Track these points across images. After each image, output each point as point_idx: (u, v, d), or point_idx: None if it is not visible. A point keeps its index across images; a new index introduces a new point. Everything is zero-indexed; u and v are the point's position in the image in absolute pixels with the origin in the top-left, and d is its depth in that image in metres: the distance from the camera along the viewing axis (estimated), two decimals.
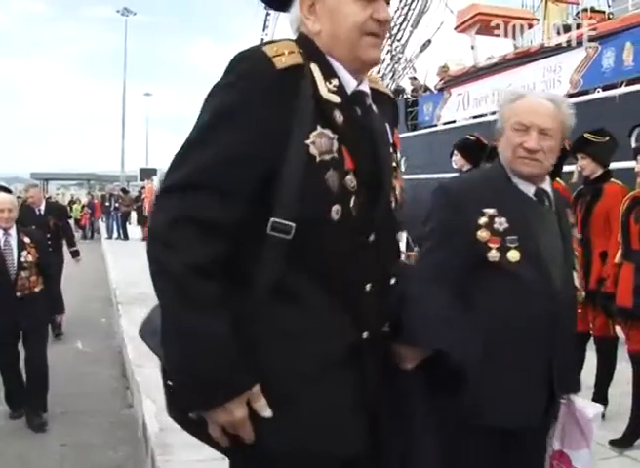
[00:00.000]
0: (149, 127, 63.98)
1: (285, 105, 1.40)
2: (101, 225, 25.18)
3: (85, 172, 63.49)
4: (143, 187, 22.49)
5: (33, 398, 4.99)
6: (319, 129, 1.43)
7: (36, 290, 4.97)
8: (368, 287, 1.51)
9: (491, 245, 2.07)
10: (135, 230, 21.92)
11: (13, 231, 4.97)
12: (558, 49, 11.52)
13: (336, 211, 1.44)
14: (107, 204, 23.08)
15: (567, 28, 12.52)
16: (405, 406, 1.59)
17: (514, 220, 2.08)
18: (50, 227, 7.60)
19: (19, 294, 4.84)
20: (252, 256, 1.42)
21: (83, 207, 26.72)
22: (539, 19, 16.51)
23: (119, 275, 11.96)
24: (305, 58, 1.46)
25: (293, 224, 1.40)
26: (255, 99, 1.39)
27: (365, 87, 1.57)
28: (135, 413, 5.18)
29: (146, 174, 30.38)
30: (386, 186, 1.56)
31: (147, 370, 5.60)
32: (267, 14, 29.01)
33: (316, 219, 1.43)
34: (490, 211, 2.08)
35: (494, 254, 2.07)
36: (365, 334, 1.51)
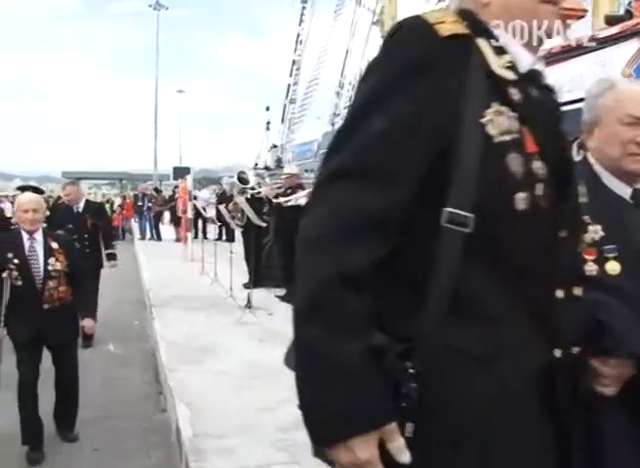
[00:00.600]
0: (182, 124, 64.73)
1: (451, 77, 1.23)
2: (134, 225, 25.53)
3: (117, 171, 64.27)
4: (177, 186, 22.68)
5: (62, 418, 4.90)
6: (495, 106, 1.26)
7: (65, 301, 4.66)
8: (559, 294, 1.31)
9: (586, 257, 1.85)
10: (168, 230, 22.17)
11: (39, 235, 4.66)
12: (608, 41, 11.30)
13: (522, 200, 1.24)
14: (140, 203, 23.39)
15: (618, 19, 12.27)
16: (598, 443, 1.42)
17: (610, 227, 1.87)
18: (88, 227, 7.52)
19: (46, 306, 4.55)
20: (421, 257, 1.24)
21: (112, 205, 27.06)
22: (587, 11, 16.21)
23: (152, 276, 12.11)
24: (471, 30, 1.29)
25: (471, 215, 1.20)
26: (417, 70, 1.22)
27: (540, 66, 1.42)
28: (168, 418, 5.24)
29: (180, 172, 30.60)
30: (574, 175, 1.39)
31: (181, 375, 5.69)
32: (303, 7, 29.09)
33: (498, 210, 1.24)
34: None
35: (590, 267, 1.84)
36: (557, 353, 1.29)
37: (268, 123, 36.21)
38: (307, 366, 1.19)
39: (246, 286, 9.92)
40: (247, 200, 10.13)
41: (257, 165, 34.59)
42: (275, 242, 11.17)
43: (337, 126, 17.71)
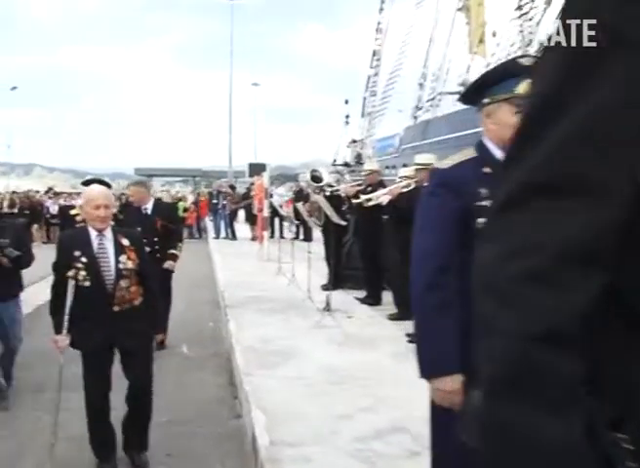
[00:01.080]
0: (257, 119, 65.53)
1: None
2: (208, 224, 25.99)
3: (190, 167, 65.72)
4: (252, 183, 22.96)
5: (133, 435, 4.57)
6: None
7: (136, 302, 4.46)
8: None
9: None
10: (243, 229, 22.47)
11: (108, 232, 4.44)
12: None
13: None
14: (215, 201, 23.79)
15: None
16: None
17: None
18: (157, 229, 7.26)
19: (116, 308, 4.35)
20: None
21: (184, 207, 27.64)
22: None
23: (227, 277, 12.28)
24: None
25: None
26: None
27: None
28: (243, 425, 5.27)
29: (255, 169, 30.99)
30: None
31: (257, 379, 5.71)
32: None
33: None
34: None
35: None
36: None
37: (347, 117, 36.17)
38: (502, 451, 0.93)
39: (325, 287, 9.91)
40: (326, 198, 10.11)
41: (335, 161, 34.63)
42: (355, 242, 11.13)
43: (419, 119, 17.78)
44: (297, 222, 16.79)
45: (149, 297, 4.56)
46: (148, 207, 7.39)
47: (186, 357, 7.49)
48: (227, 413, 5.68)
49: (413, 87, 29.18)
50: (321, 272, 10.73)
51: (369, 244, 9.91)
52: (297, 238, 18.43)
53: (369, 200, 9.42)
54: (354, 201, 9.95)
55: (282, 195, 21.95)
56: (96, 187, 4.58)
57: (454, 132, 17.09)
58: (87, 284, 4.29)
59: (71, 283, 4.28)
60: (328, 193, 10.98)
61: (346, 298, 9.97)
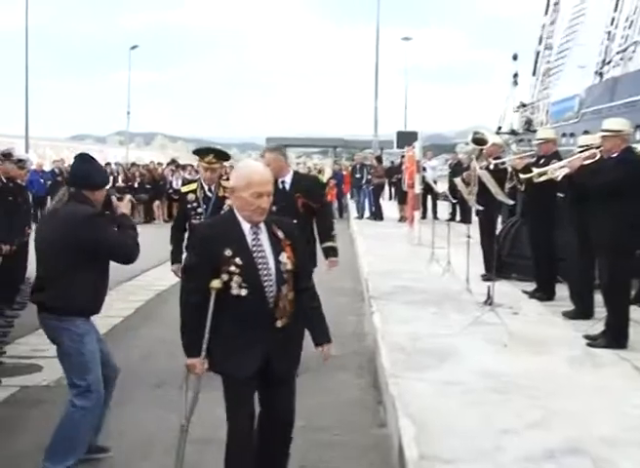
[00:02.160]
0: (408, 80, 65.10)
1: None
2: (350, 202, 26.22)
3: (330, 136, 66.47)
4: (402, 155, 22.93)
5: None
6: None
7: (292, 314, 4.05)
8: None
9: None
10: (390, 208, 22.51)
11: (262, 222, 4.05)
12: None
13: None
14: (358, 175, 23.96)
15: None
16: None
17: None
18: (299, 209, 6.82)
19: (279, 324, 3.96)
20: None
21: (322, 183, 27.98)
22: None
23: (372, 263, 12.36)
24: None
25: None
26: None
27: None
28: (388, 434, 5.30)
29: (404, 138, 30.92)
30: None
31: (404, 383, 5.73)
32: None
33: None
34: None
35: None
36: None
37: (516, 76, 35.30)
38: None
39: (486, 277, 9.76)
40: (489, 171, 9.91)
41: (500, 129, 33.96)
42: (523, 224, 10.88)
43: (606, 76, 17.11)
44: (454, 201, 16.63)
45: (315, 306, 4.23)
46: (286, 180, 6.83)
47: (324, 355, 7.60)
48: (370, 421, 5.73)
49: (599, 37, 28.00)
50: (482, 260, 10.58)
51: (539, 227, 9.65)
52: (453, 219, 18.27)
53: (541, 174, 9.13)
54: (522, 176, 9.68)
55: (436, 169, 21.77)
56: (256, 167, 4.07)
57: None
58: (243, 293, 3.89)
59: (213, 292, 3.90)
60: (492, 166, 10.76)
61: (512, 291, 9.78)
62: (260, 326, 3.92)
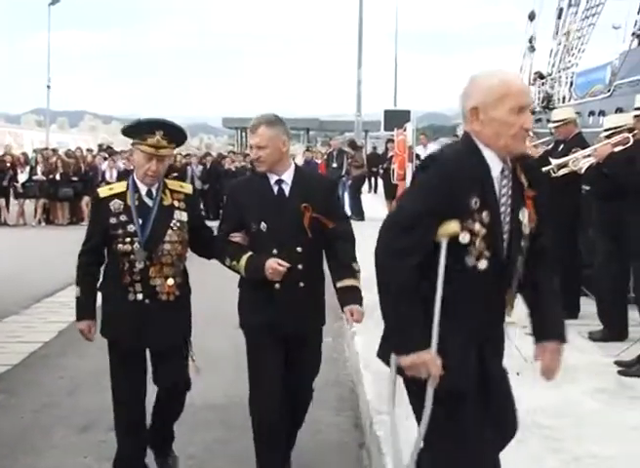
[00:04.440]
0: (398, 48, 65.00)
1: None
2: None
3: (303, 117, 66.49)
4: (390, 140, 23.01)
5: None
6: None
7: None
8: None
9: None
10: (374, 204, 22.48)
11: None
12: None
13: None
14: (335, 165, 23.98)
15: None
16: None
17: None
18: (303, 225, 5.48)
19: (508, 315, 3.96)
20: None
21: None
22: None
23: None
24: None
25: None
26: None
27: None
28: None
29: (394, 119, 30.88)
30: None
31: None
32: None
33: None
34: None
35: None
36: None
37: (532, 40, 35.41)
38: None
39: None
40: None
41: None
42: None
43: None
44: None
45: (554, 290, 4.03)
46: (285, 178, 5.37)
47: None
48: (351, 467, 5.76)
49: None
50: None
51: (561, 228, 9.73)
52: None
53: (560, 166, 9.19)
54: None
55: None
56: (506, 73, 3.67)
57: None
58: (482, 265, 3.52)
59: (444, 242, 3.48)
60: None
61: (522, 306, 9.85)
62: (489, 317, 3.67)
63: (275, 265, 5.00)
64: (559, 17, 33.99)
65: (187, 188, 5.53)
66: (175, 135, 5.27)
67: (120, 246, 5.18)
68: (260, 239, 5.16)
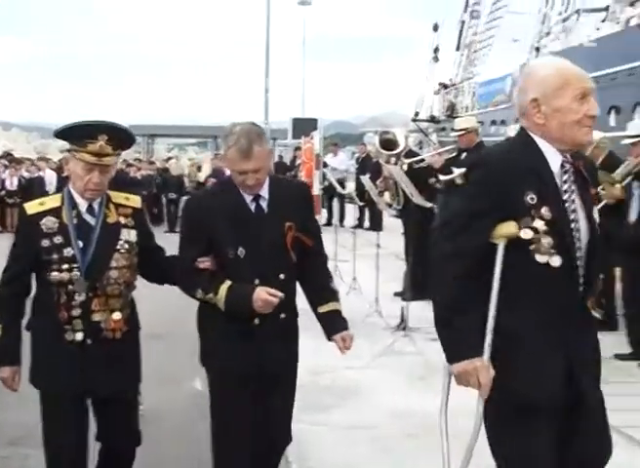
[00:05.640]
0: (307, 54, 64.87)
1: None
2: None
3: (210, 124, 66.21)
4: (298, 148, 23.04)
5: None
6: None
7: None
8: None
9: None
10: None
11: None
12: None
13: None
14: None
15: None
16: None
17: None
18: (289, 253, 5.21)
19: (585, 320, 3.46)
20: None
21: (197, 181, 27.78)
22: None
23: None
24: None
25: None
26: None
27: None
28: None
29: (302, 126, 30.94)
30: None
31: (302, 427, 5.68)
32: None
33: None
34: None
35: None
36: None
37: (436, 50, 35.95)
38: None
39: (402, 297, 9.91)
40: (408, 171, 10.08)
41: (418, 115, 34.53)
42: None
43: (544, 51, 17.63)
44: (361, 204, 16.81)
45: None
46: (263, 192, 4.54)
47: (200, 395, 7.57)
48: None
49: (535, 4, 28.81)
50: (395, 274, 10.75)
51: None
52: (360, 226, 18.45)
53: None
54: (442, 178, 9.88)
55: (344, 164, 21.96)
56: (563, 60, 3.54)
57: (598, 68, 16.82)
58: (555, 262, 3.28)
59: (502, 245, 3.27)
60: (406, 166, 10.93)
61: (431, 313, 9.94)
62: (568, 320, 3.31)
63: (266, 296, 4.22)
64: (462, 29, 34.57)
65: (135, 201, 4.50)
66: (121, 139, 4.34)
67: (55, 274, 4.20)
68: (236, 267, 4.37)
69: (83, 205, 4.29)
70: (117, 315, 4.25)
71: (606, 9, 22.85)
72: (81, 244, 4.21)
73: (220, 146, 51.96)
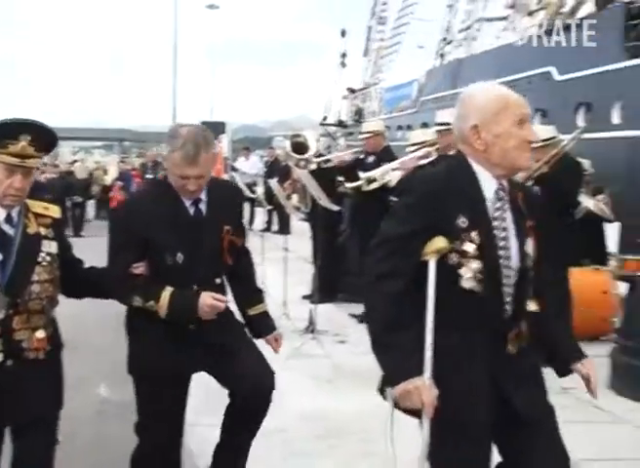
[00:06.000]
0: (215, 59, 64.83)
1: None
2: None
3: (116, 127, 65.60)
4: None
5: None
6: None
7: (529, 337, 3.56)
8: None
9: None
10: None
11: None
12: None
13: None
14: (150, 176, 23.73)
15: None
16: None
17: None
18: (226, 257, 4.79)
19: (511, 349, 3.38)
20: None
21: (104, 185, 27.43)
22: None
23: None
24: None
25: None
26: None
27: None
28: None
29: (210, 129, 30.94)
30: None
31: (203, 431, 5.70)
32: None
33: None
34: None
35: None
36: None
37: (344, 56, 36.08)
38: None
39: (310, 299, 9.93)
40: (312, 173, 10.09)
41: (326, 119, 34.64)
42: (351, 236, 11.11)
43: (448, 58, 17.85)
44: (269, 208, 16.82)
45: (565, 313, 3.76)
46: (202, 195, 4.42)
47: (104, 400, 7.47)
48: None
49: (439, 11, 29.16)
50: (303, 278, 10.75)
51: (370, 239, 9.89)
52: (268, 229, 18.49)
53: (370, 181, 9.38)
54: (349, 185, 9.91)
55: (252, 168, 21.95)
56: (500, 87, 3.52)
57: (498, 75, 17.15)
58: (477, 288, 3.27)
59: (433, 261, 3.24)
60: (314, 166, 10.95)
61: (338, 315, 10.01)
62: (489, 345, 3.29)
63: (212, 301, 4.14)
64: (369, 34, 34.78)
65: (54, 211, 4.16)
66: (46, 139, 3.97)
67: None
68: (174, 272, 4.24)
69: (1, 214, 3.90)
70: (40, 333, 3.93)
71: (505, 18, 23.34)
72: (0, 256, 3.84)
73: (126, 150, 51.76)
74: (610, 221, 10.10)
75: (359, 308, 10.03)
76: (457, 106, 3.40)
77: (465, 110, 3.32)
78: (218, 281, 4.43)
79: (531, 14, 20.87)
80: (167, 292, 4.14)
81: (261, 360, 4.55)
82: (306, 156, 11.13)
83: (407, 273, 3.18)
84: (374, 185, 9.33)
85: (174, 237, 4.20)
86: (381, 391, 3.34)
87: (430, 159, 8.40)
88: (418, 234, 3.17)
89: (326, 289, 10.00)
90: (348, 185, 9.91)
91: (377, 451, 5.43)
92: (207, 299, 4.12)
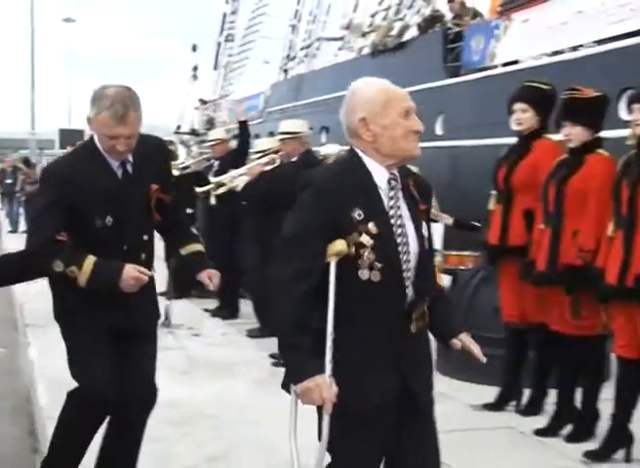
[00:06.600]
0: (72, 69, 63.65)
1: None
2: (0, 214, 25.16)
3: None
4: None
5: None
6: None
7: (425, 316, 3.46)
8: None
9: None
10: None
11: None
12: None
13: None
14: (9, 181, 23.14)
15: None
16: None
17: None
18: (154, 215, 5.04)
19: (413, 328, 3.24)
20: None
21: None
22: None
23: (30, 286, 11.90)
24: None
25: None
26: None
27: None
28: None
29: (69, 137, 30.30)
30: None
31: None
32: None
33: None
34: None
35: None
36: None
37: (195, 69, 36.05)
38: None
39: (166, 296, 9.83)
40: (178, 175, 10.04)
41: (180, 128, 34.45)
42: (203, 235, 11.07)
43: (291, 73, 18.06)
44: None
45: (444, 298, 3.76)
46: (129, 157, 4.26)
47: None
48: None
49: (283, 30, 29.33)
50: (158, 276, 10.64)
51: (220, 239, 9.88)
52: None
53: (219, 185, 9.44)
54: (199, 190, 9.94)
55: None
56: (382, 81, 3.38)
57: (335, 90, 17.36)
58: (375, 277, 3.13)
59: (333, 263, 3.09)
60: (176, 171, 10.86)
61: (192, 310, 9.96)
62: (394, 329, 3.17)
63: (137, 274, 3.98)
64: (218, 50, 34.74)
65: None
66: None
67: None
68: (104, 236, 4.07)
69: None
70: None
71: (342, 38, 23.77)
72: None
73: None
74: (435, 221, 10.38)
75: (212, 303, 10.06)
76: (344, 102, 3.29)
77: (353, 104, 3.22)
78: (145, 238, 4.26)
79: (364, 35, 21.37)
80: (90, 260, 3.92)
81: (151, 368, 4.60)
82: (177, 163, 11.18)
83: (310, 274, 3.05)
84: (222, 190, 9.37)
85: (103, 201, 4.01)
86: (285, 387, 3.20)
87: (274, 165, 8.49)
88: (317, 233, 3.04)
89: (179, 287, 9.92)
90: (199, 190, 9.92)
91: (226, 436, 5.43)
92: (131, 271, 3.94)
